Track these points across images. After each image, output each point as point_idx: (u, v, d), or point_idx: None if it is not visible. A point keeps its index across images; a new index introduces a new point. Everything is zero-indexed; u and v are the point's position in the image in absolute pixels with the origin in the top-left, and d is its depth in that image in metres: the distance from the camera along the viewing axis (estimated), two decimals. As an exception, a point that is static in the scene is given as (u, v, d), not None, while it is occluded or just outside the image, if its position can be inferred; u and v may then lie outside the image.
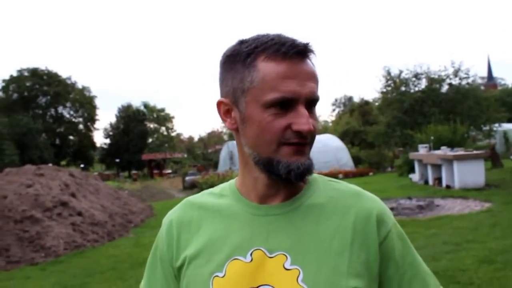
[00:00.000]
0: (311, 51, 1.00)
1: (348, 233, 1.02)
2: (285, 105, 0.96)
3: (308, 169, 1.00)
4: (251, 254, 1.01)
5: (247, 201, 1.08)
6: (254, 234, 1.03)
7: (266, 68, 0.97)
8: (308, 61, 1.00)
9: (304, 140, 0.98)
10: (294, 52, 0.96)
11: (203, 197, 1.16)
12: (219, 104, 1.07)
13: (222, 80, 1.06)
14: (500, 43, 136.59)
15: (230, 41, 1.06)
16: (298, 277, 0.97)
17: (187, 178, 29.04)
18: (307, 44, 0.99)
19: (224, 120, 1.07)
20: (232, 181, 1.15)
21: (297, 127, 0.96)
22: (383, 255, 1.03)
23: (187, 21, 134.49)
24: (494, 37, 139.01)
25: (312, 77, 0.99)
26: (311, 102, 0.99)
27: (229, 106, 1.05)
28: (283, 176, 0.98)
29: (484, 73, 61.14)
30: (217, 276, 1.01)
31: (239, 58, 1.00)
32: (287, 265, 0.98)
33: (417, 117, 24.28)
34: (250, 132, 1.01)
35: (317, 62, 1.02)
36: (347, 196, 1.08)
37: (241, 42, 1.03)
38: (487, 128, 24.93)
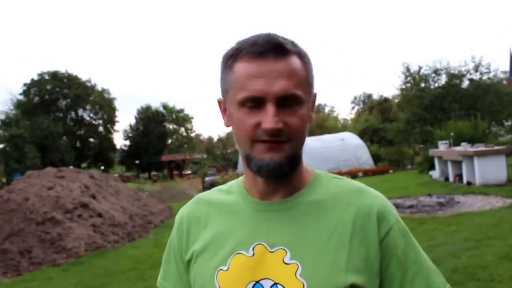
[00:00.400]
0: (283, 49, 1.00)
1: (348, 229, 1.03)
2: (256, 103, 0.99)
3: (279, 167, 1.00)
4: (253, 249, 1.04)
5: (250, 198, 1.11)
6: (257, 229, 1.07)
7: (239, 68, 1.01)
8: (285, 59, 1.00)
9: (275, 138, 0.99)
10: (264, 51, 0.99)
11: (212, 193, 1.21)
12: (219, 102, 1.13)
13: (220, 80, 1.10)
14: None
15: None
16: (296, 271, 1.00)
17: (206, 178, 29.16)
18: (279, 42, 1.00)
19: (223, 118, 1.13)
20: (240, 178, 1.19)
21: (263, 126, 0.98)
22: (384, 252, 1.04)
23: (206, 21, 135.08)
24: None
25: (285, 75, 0.98)
26: (285, 99, 0.98)
27: (224, 105, 1.11)
28: (256, 173, 1.04)
29: (507, 67, 60.16)
30: (221, 269, 1.05)
31: (225, 60, 1.06)
32: (287, 260, 1.01)
33: (437, 113, 24.10)
34: (233, 130, 1.07)
35: (298, 59, 1.02)
36: (349, 193, 1.09)
37: (234, 44, 1.07)
38: (509, 123, 24.61)
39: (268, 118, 0.97)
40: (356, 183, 1.14)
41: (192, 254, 1.12)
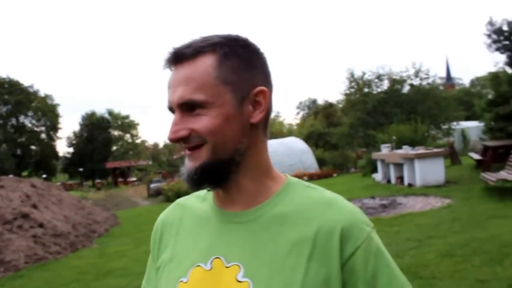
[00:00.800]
0: (183, 55, 0.96)
1: (307, 247, 0.93)
2: (173, 113, 0.98)
3: (190, 176, 0.97)
4: (211, 262, 0.99)
5: (215, 207, 1.06)
6: (218, 241, 1.01)
7: None
8: (187, 64, 0.96)
9: (186, 145, 0.97)
10: (172, 61, 0.98)
11: (190, 199, 1.16)
12: None
13: None
14: (458, 45, 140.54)
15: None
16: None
17: (152, 185, 28.86)
18: (179, 49, 0.97)
19: None
20: None
21: None
22: (349, 275, 0.93)
23: (150, 27, 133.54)
24: (452, 39, 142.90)
25: (183, 82, 0.95)
26: (188, 106, 0.95)
27: None
28: None
29: (443, 74, 62.70)
30: (182, 281, 1.00)
31: None
32: (239, 277, 0.94)
33: (379, 118, 24.75)
34: None
35: (207, 61, 0.96)
36: (316, 206, 0.98)
37: None
38: (446, 126, 25.60)
39: (170, 129, 0.96)
40: (328, 194, 1.02)
41: (161, 263, 1.08)
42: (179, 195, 20.01)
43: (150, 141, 66.85)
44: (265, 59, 1.03)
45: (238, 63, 0.97)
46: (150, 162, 39.96)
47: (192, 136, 0.95)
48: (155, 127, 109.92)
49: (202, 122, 0.94)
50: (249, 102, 0.97)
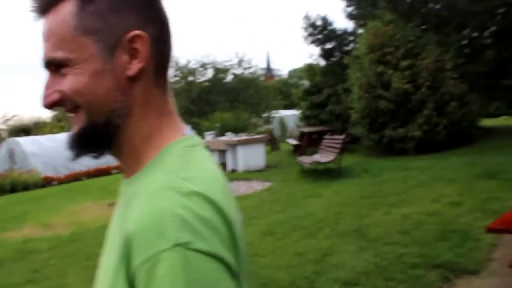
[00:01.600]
0: (41, 3, 0.80)
1: (119, 250, 0.70)
2: None
3: (68, 143, 0.83)
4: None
5: None
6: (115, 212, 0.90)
7: None
8: (50, 14, 0.80)
9: (65, 110, 0.82)
10: (34, 12, 0.81)
11: None
12: None
13: None
14: (278, 37, 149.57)
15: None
16: (98, 279, 0.81)
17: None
18: None
19: None
20: None
21: None
22: None
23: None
24: (273, 31, 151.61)
25: (45, 36, 0.80)
26: (53, 65, 0.79)
27: None
28: None
29: (264, 65, 65.92)
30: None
31: None
32: (101, 261, 0.83)
33: (203, 106, 25.28)
34: None
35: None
36: (145, 192, 0.74)
37: None
38: (266, 114, 27.12)
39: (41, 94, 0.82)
40: (166, 176, 0.74)
41: None
42: (14, 187, 18.08)
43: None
44: None
45: (103, 5, 0.79)
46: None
47: (65, 100, 0.80)
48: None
49: (67, 83, 0.78)
50: (124, 51, 0.79)
